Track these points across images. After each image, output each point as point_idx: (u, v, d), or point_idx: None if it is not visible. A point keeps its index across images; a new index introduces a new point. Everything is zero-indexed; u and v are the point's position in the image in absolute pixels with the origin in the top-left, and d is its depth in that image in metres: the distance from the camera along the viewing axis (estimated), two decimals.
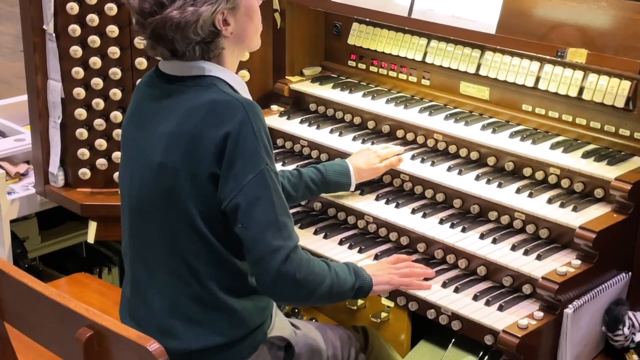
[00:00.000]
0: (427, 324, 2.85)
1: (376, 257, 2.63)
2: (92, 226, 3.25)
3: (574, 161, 2.62)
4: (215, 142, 2.15)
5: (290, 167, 2.81)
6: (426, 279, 2.53)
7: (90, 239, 3.27)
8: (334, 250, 2.68)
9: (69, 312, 1.97)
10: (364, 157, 2.79)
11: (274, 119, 3.14)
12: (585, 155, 2.63)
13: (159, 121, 2.25)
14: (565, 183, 2.62)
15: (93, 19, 3.09)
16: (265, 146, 2.19)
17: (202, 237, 2.23)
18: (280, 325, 2.45)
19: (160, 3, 2.15)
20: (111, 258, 3.96)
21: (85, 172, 3.24)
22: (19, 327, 2.19)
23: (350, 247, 2.69)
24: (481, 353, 2.76)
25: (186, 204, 2.21)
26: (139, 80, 2.42)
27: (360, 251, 2.67)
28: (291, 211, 2.85)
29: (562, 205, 2.53)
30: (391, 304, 2.81)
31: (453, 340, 2.82)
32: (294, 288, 2.22)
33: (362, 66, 3.25)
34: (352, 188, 2.77)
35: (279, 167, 2.68)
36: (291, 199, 2.68)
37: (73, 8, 3.08)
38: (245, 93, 2.31)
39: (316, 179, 2.70)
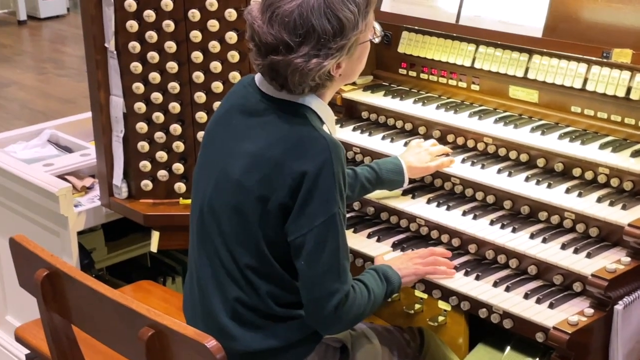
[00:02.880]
0: (485, 328, 2.89)
1: None
2: (155, 236, 3.36)
3: (623, 160, 2.64)
4: (294, 175, 2.21)
5: None
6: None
7: (153, 248, 3.37)
8: (388, 255, 2.74)
9: (132, 312, 2.07)
10: (416, 154, 2.85)
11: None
12: (634, 154, 2.66)
13: (245, 138, 2.31)
14: (614, 182, 2.64)
15: (152, 35, 3.20)
16: (341, 189, 2.25)
17: (264, 257, 2.31)
18: None
19: (288, 46, 2.18)
20: (175, 268, 4.07)
21: (147, 184, 3.35)
22: (86, 329, 2.30)
23: (402, 250, 2.74)
24: (539, 356, 2.79)
25: (253, 224, 2.28)
26: (233, 87, 2.47)
27: None
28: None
29: (611, 204, 2.56)
30: (448, 307, 2.85)
31: (511, 343, 2.86)
32: (342, 325, 2.36)
33: (413, 74, 3.31)
34: (405, 185, 2.83)
35: None
36: (348, 199, 2.75)
37: (133, 26, 3.20)
38: (332, 125, 2.38)
39: (371, 177, 2.77)
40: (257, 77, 2.36)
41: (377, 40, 2.40)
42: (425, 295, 2.81)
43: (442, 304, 2.80)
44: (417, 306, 2.97)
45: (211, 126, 2.45)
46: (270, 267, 2.31)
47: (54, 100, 7.55)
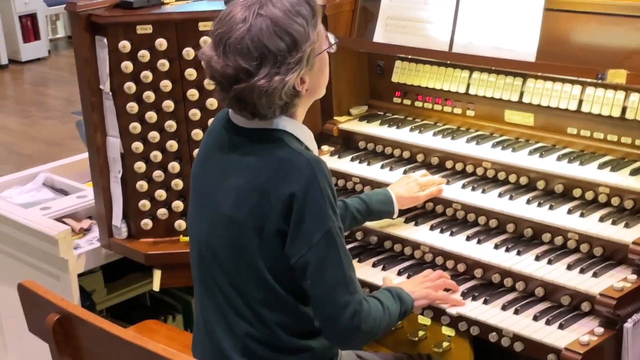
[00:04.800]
0: (490, 352, 2.89)
1: None
2: (157, 274, 3.35)
3: (623, 179, 2.67)
4: (283, 199, 2.23)
5: None
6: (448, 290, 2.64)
7: (156, 286, 3.37)
8: (395, 280, 2.75)
9: (148, 353, 2.06)
10: (405, 185, 2.88)
11: (325, 159, 3.23)
12: (633, 173, 2.69)
13: (228, 174, 2.32)
14: (615, 201, 2.67)
15: (147, 75, 3.22)
16: (331, 202, 2.26)
17: (268, 287, 2.31)
18: (346, 357, 2.52)
19: (246, 71, 2.19)
20: (175, 306, 4.05)
21: (147, 223, 3.35)
22: None
23: (408, 277, 2.75)
24: None
25: (253, 256, 2.29)
26: (211, 124, 2.49)
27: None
28: (348, 246, 2.97)
29: (614, 223, 2.58)
30: (452, 332, 2.86)
31: None
32: (360, 338, 2.35)
33: (408, 102, 3.34)
34: (395, 215, 2.86)
35: None
36: None
37: (127, 66, 3.21)
38: (311, 143, 2.39)
39: (361, 209, 2.79)
40: (231, 111, 2.38)
41: (332, 50, 2.41)
42: (428, 322, 2.82)
43: (446, 330, 2.81)
44: (420, 333, 2.97)
45: (195, 169, 2.47)
46: (277, 295, 2.32)
47: (40, 143, 7.54)
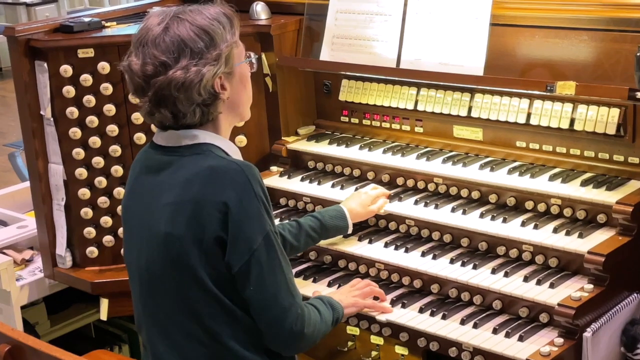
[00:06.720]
0: None
1: (392, 302, 2.68)
2: (104, 303, 3.28)
3: (574, 190, 2.69)
4: (218, 207, 2.22)
5: None
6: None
7: (103, 316, 3.29)
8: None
9: None
10: (357, 198, 2.88)
11: (275, 180, 3.21)
12: (584, 184, 2.71)
13: (161, 193, 2.30)
14: (567, 212, 2.69)
15: (90, 100, 3.16)
16: (266, 207, 2.27)
17: (215, 299, 2.28)
18: None
19: (164, 64, 2.22)
20: (120, 336, 3.98)
21: (92, 251, 3.28)
22: None
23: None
24: None
25: (195, 269, 2.25)
26: (135, 158, 2.47)
27: (375, 298, 2.71)
28: (302, 267, 2.94)
29: (567, 234, 2.60)
30: (405, 351, 2.84)
31: None
32: (304, 342, 2.35)
33: (355, 120, 3.33)
34: (350, 230, 2.86)
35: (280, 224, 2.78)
36: (294, 250, 2.78)
37: (69, 91, 3.15)
38: (238, 157, 2.38)
39: (315, 226, 2.79)
40: (155, 136, 2.37)
41: (253, 60, 2.44)
42: (381, 341, 2.80)
43: (399, 349, 2.79)
44: (373, 353, 2.95)
45: (125, 201, 2.44)
46: (224, 307, 2.28)
47: None
